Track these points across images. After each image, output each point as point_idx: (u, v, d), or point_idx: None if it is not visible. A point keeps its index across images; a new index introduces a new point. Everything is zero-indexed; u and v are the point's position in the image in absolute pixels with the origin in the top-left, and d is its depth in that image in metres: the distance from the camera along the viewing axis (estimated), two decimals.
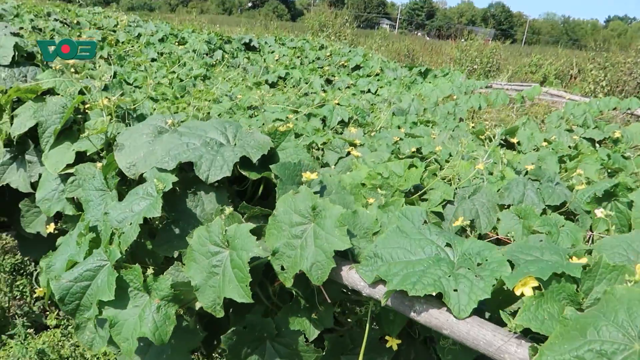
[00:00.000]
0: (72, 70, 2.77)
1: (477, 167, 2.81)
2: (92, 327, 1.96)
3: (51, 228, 2.58)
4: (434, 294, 1.18)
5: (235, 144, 1.82)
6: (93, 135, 2.27)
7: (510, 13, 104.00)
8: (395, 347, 1.76)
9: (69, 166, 2.33)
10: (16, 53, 3.13)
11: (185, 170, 1.85)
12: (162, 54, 8.76)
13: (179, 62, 7.82)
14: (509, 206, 2.56)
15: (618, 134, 5.03)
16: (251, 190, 1.97)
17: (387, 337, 1.76)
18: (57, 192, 2.39)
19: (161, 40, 9.88)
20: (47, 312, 3.75)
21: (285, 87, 8.28)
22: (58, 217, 2.79)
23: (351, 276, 1.43)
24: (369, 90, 8.90)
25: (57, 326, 3.65)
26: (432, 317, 1.22)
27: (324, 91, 8.12)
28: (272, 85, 8.41)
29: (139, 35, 10.05)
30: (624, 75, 16.20)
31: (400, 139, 4.79)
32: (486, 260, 1.26)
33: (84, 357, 3.31)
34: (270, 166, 1.73)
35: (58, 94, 2.66)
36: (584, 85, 15.65)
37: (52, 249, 2.54)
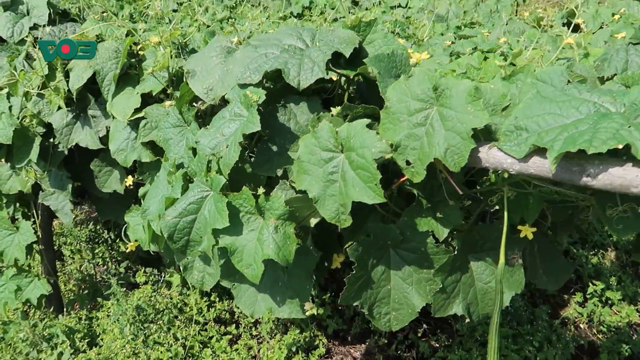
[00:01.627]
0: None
1: (564, 43, 2.52)
2: (200, 265, 1.90)
3: (130, 181, 2.51)
4: (620, 146, 0.99)
5: (317, 46, 1.63)
6: (157, 72, 2.12)
7: None
8: (530, 236, 1.61)
9: (137, 111, 2.21)
10: (51, 11, 2.98)
11: (269, 83, 1.68)
12: (181, 4, 8.47)
13: (199, 8, 7.53)
14: (611, 78, 2.29)
15: None
16: (338, 96, 1.79)
17: (519, 227, 1.61)
18: (130, 140, 2.29)
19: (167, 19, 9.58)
20: (134, 271, 3.82)
21: (312, 16, 7.90)
22: (132, 171, 2.72)
23: (493, 155, 1.25)
24: (399, 5, 8.37)
25: (145, 282, 3.72)
26: (615, 177, 1.04)
27: (353, 13, 7.68)
28: (299, 16, 8.03)
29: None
30: None
31: (452, 43, 4.45)
32: None
33: (176, 308, 3.36)
34: (365, 60, 1.54)
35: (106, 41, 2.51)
36: None
37: (130, 206, 2.50)
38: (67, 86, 2.49)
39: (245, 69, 1.66)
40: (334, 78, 1.76)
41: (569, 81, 1.27)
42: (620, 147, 0.99)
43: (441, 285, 1.59)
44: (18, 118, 2.68)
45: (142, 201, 2.41)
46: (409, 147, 1.33)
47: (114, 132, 2.33)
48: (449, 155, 1.26)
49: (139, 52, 2.37)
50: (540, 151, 1.17)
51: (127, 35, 2.44)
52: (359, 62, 1.62)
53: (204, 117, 2.05)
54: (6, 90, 2.82)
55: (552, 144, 1.11)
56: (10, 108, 2.73)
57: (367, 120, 1.34)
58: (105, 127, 2.48)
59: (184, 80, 1.87)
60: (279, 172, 1.58)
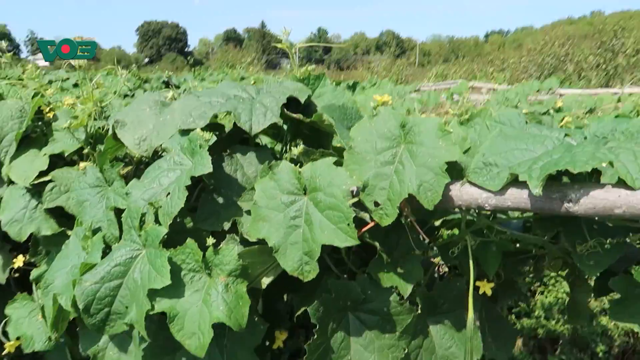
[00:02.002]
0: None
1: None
2: (115, 354, 1.57)
3: (20, 261, 2.10)
4: (604, 164, 1.00)
5: (267, 93, 1.56)
6: (71, 130, 1.89)
7: (400, 39, 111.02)
8: (489, 292, 1.55)
9: (41, 174, 1.91)
10: None
11: (212, 133, 1.55)
12: (79, 97, 8.13)
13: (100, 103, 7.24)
14: None
15: (560, 103, 5.29)
16: (282, 146, 1.70)
17: (478, 283, 1.54)
18: (27, 210, 1.95)
19: (75, 85, 9.22)
20: None
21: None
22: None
23: (466, 192, 1.21)
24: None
25: None
26: (598, 200, 1.03)
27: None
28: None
29: (50, 82, 9.31)
30: (521, 74, 17.70)
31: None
32: (629, 131, 1.11)
33: None
34: (319, 108, 1.49)
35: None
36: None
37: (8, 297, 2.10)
38: None
39: (188, 116, 1.52)
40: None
41: (526, 122, 1.31)
42: (604, 165, 0.99)
43: (405, 351, 1.44)
44: None
45: (33, 286, 2.03)
46: (377, 187, 1.25)
47: (9, 200, 1.98)
48: (422, 192, 1.19)
49: (48, 114, 2.12)
50: (516, 183, 1.15)
51: (34, 96, 2.19)
52: (308, 114, 1.56)
53: (126, 178, 1.82)
54: None
55: (530, 172, 1.09)
56: None
57: (333, 158, 1.25)
58: None
59: (109, 133, 1.67)
60: (226, 226, 1.40)
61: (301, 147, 1.33)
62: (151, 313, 1.24)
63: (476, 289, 1.55)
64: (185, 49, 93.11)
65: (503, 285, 1.71)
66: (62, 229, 1.91)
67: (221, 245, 1.38)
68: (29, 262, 2.14)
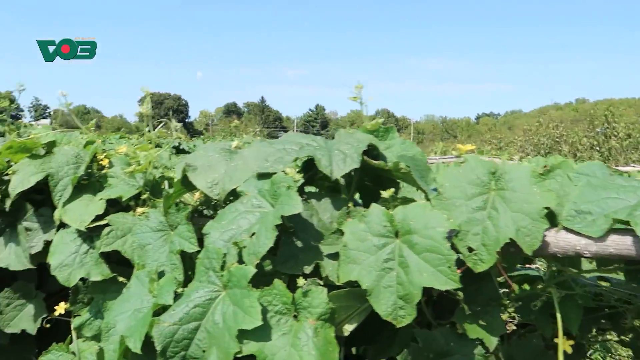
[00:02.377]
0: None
1: None
2: None
3: (62, 309, 2.02)
4: None
5: (342, 142, 1.59)
6: (130, 176, 1.89)
7: (395, 117, 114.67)
8: (569, 350, 1.50)
9: (97, 219, 1.89)
10: None
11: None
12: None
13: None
14: None
15: None
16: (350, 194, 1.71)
17: (556, 340, 1.50)
18: (78, 254, 1.91)
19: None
20: None
21: None
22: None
23: (563, 238, 1.20)
24: None
25: None
26: None
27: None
28: None
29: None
30: (517, 153, 18.17)
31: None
32: None
33: None
34: (398, 156, 1.51)
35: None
36: None
37: (41, 349, 2.02)
38: None
39: (263, 161, 1.54)
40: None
41: (611, 173, 1.34)
42: None
43: None
44: None
45: (73, 335, 1.94)
46: (470, 233, 1.24)
47: (59, 244, 1.94)
48: (520, 237, 1.19)
49: (102, 161, 2.14)
50: (617, 230, 1.15)
51: (86, 144, 2.22)
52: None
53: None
54: None
55: (634, 219, 1.10)
56: None
57: (427, 202, 1.26)
58: (44, 241, 2.07)
59: (177, 178, 1.68)
60: (307, 270, 1.37)
61: (390, 191, 1.34)
62: (238, 356, 1.18)
63: (550, 347, 1.50)
64: (186, 120, 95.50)
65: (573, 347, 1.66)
66: (114, 274, 1.86)
67: (301, 288, 1.34)
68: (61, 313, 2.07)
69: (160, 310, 1.38)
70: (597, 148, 17.40)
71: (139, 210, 1.88)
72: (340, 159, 1.47)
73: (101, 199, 1.94)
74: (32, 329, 2.28)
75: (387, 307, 1.19)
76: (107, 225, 1.88)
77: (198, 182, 1.60)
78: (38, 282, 2.40)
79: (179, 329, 1.28)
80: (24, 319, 2.31)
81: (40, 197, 2.17)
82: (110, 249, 1.80)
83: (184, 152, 11.51)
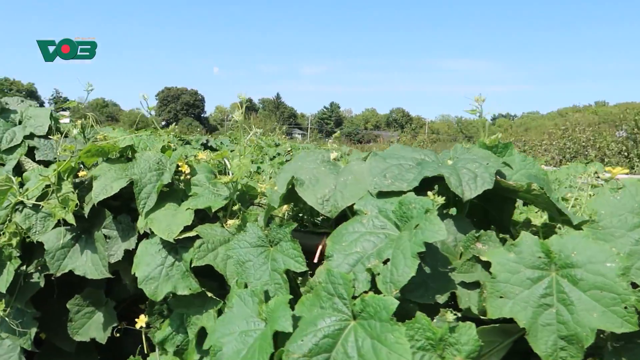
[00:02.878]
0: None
1: None
2: None
3: (142, 321, 1.95)
4: None
5: (467, 158, 1.48)
6: (222, 186, 1.81)
7: (410, 117, 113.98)
8: None
9: (186, 229, 1.81)
10: (52, 123, 2.62)
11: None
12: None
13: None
14: None
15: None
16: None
17: None
18: (164, 267, 1.83)
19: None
20: None
21: (263, 179, 7.99)
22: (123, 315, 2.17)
23: None
24: None
25: None
26: None
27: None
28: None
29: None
30: (541, 156, 17.86)
31: None
32: None
33: None
34: (528, 176, 1.41)
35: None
36: None
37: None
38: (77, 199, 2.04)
39: (381, 177, 1.44)
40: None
41: None
42: None
43: None
44: None
45: (157, 348, 1.87)
46: (634, 267, 1.13)
47: (143, 255, 1.86)
48: None
49: (182, 168, 2.06)
50: None
51: (162, 149, 2.14)
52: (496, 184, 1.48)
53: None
54: None
55: None
56: None
57: (588, 232, 1.15)
58: (124, 250, 1.99)
59: (282, 192, 1.59)
60: (440, 299, 1.27)
61: (544, 217, 1.23)
62: None
63: None
64: (202, 115, 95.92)
65: None
66: (202, 289, 1.78)
67: (434, 320, 1.24)
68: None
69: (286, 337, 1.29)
70: (626, 153, 17.04)
71: (230, 222, 1.80)
72: (470, 179, 1.37)
73: (188, 208, 1.86)
74: (101, 337, 2.22)
75: (546, 347, 1.09)
76: (195, 237, 1.80)
77: (308, 198, 1.51)
78: (106, 288, 2.34)
79: None
80: (93, 327, 2.25)
81: (116, 203, 2.10)
82: (203, 263, 1.72)
83: (212, 149, 11.51)
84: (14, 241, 2.09)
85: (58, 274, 2.04)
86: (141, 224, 1.90)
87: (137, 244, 1.98)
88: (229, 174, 1.89)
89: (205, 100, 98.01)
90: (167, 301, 2.00)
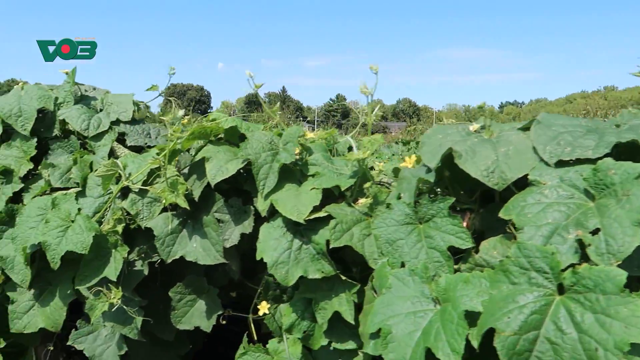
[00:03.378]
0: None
1: None
2: None
3: (264, 308, 1.88)
4: None
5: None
6: (351, 164, 1.72)
7: (417, 107, 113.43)
8: None
9: (315, 210, 1.73)
10: (135, 109, 2.54)
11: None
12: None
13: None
14: None
15: None
16: None
17: None
18: (291, 251, 1.75)
19: None
20: None
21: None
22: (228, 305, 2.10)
23: None
24: None
25: None
26: None
27: None
28: None
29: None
30: None
31: None
32: None
33: None
34: None
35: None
36: None
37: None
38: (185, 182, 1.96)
39: (555, 146, 1.35)
40: None
41: None
42: None
43: None
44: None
45: (284, 336, 1.80)
46: None
47: (267, 239, 1.78)
48: None
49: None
50: None
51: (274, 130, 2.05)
52: None
53: None
54: (74, 190, 2.20)
55: None
56: (79, 211, 2.09)
57: None
58: (240, 234, 1.92)
59: (435, 164, 1.49)
60: None
61: None
62: None
63: None
64: (209, 110, 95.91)
65: None
66: (337, 272, 1.70)
67: None
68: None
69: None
70: None
71: (362, 201, 1.71)
72: None
73: (313, 188, 1.77)
74: (206, 326, 2.15)
75: None
76: (325, 218, 1.72)
77: (470, 169, 1.41)
78: (205, 274, 2.27)
79: (519, 340, 1.10)
80: (196, 315, 2.18)
81: (225, 186, 2.02)
82: (341, 244, 1.64)
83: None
84: (119, 228, 2.02)
85: (169, 261, 1.97)
86: (262, 206, 1.82)
87: (253, 228, 1.90)
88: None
89: (211, 96, 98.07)
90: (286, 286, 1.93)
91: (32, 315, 2.29)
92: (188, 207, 1.89)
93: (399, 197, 1.60)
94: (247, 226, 1.92)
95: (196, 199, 1.94)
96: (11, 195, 2.29)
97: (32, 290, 2.30)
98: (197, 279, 2.18)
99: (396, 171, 1.89)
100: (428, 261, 1.43)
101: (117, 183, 2.10)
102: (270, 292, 1.99)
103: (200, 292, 2.19)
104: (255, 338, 2.06)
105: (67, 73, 2.68)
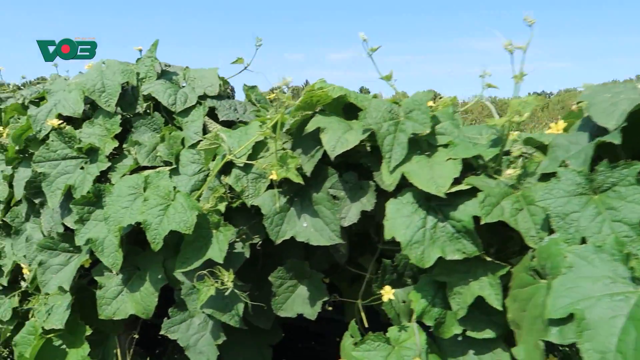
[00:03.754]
0: None
1: None
2: None
3: (389, 293, 1.70)
4: None
5: None
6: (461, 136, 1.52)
7: (441, 97, 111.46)
8: None
9: (455, 182, 1.54)
10: (221, 83, 2.39)
11: None
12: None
13: None
14: None
15: None
16: None
17: None
18: (426, 229, 1.56)
19: None
20: None
21: None
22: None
23: None
24: None
25: None
26: None
27: None
28: None
29: None
30: None
31: None
32: None
33: None
34: None
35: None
36: None
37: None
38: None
39: None
40: None
41: None
42: None
43: None
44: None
45: (414, 324, 1.62)
46: None
47: (396, 217, 1.59)
48: None
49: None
50: None
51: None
52: None
53: None
54: (167, 168, 2.06)
55: None
56: (174, 189, 1.94)
57: None
58: (360, 212, 1.74)
59: (620, 122, 1.29)
60: None
61: None
62: None
63: None
64: None
65: None
66: (482, 252, 1.51)
67: None
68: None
69: None
70: None
71: (509, 171, 1.51)
72: None
73: (449, 158, 1.58)
74: (310, 313, 1.99)
75: None
76: (464, 191, 1.53)
77: None
78: (306, 257, 2.11)
79: None
80: (298, 301, 2.02)
81: (337, 159, 1.84)
82: (493, 220, 1.44)
83: None
84: (221, 206, 1.87)
85: (278, 241, 1.81)
86: (388, 180, 1.63)
87: (375, 204, 1.72)
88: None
89: (235, 90, 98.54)
90: (409, 270, 1.75)
91: (121, 301, 2.16)
92: (302, 182, 1.72)
93: (562, 165, 1.40)
94: (367, 203, 1.74)
95: (308, 173, 1.77)
96: (98, 174, 2.16)
97: (120, 275, 2.18)
98: (298, 263, 2.02)
99: (530, 141, 1.68)
100: (616, 235, 1.23)
101: (213, 159, 1.95)
102: (387, 276, 1.81)
103: (301, 277, 2.03)
104: (366, 326, 1.90)
105: (140, 50, 2.55)
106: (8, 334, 3.07)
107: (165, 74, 2.43)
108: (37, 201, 2.34)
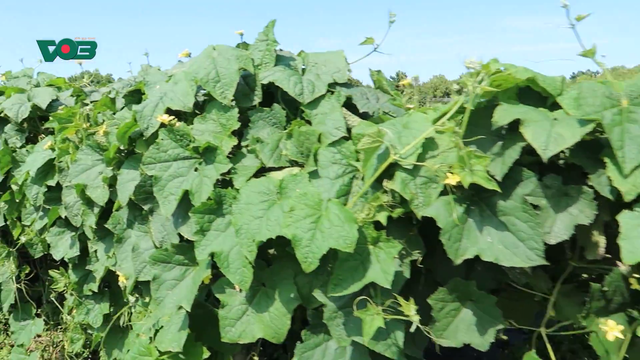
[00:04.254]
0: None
1: None
2: None
3: (615, 329, 1.33)
4: None
5: None
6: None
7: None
8: None
9: None
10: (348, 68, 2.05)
11: None
12: None
13: None
14: None
15: None
16: None
17: None
18: None
19: None
20: None
21: None
22: None
23: None
24: None
25: None
26: None
27: None
28: None
29: None
30: None
31: None
32: None
33: None
34: None
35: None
36: None
37: None
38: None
39: None
40: None
41: None
42: None
43: None
44: None
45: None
46: None
47: (631, 230, 1.23)
48: None
49: None
50: None
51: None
52: None
53: None
54: (297, 170, 1.74)
55: None
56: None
57: None
58: (573, 227, 1.37)
59: None
60: None
61: None
62: None
63: None
64: None
65: None
66: None
67: None
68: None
69: None
70: None
71: None
72: None
73: None
74: (479, 343, 1.64)
75: None
76: None
77: None
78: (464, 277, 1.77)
79: None
80: (462, 327, 1.68)
81: (529, 159, 1.48)
82: None
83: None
84: (381, 217, 1.54)
85: (458, 261, 1.47)
86: (624, 186, 1.26)
87: (595, 217, 1.36)
88: None
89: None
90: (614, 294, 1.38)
91: (246, 322, 1.88)
92: (498, 189, 1.37)
93: None
94: (580, 214, 1.37)
95: (499, 178, 1.42)
96: (218, 177, 1.87)
97: (243, 292, 1.89)
98: (463, 283, 1.68)
99: None
100: None
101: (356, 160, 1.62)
102: (594, 304, 1.45)
103: (464, 299, 1.69)
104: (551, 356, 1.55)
105: (241, 34, 2.24)
106: (99, 340, 2.91)
107: (281, 60, 2.11)
108: (146, 207, 2.08)
